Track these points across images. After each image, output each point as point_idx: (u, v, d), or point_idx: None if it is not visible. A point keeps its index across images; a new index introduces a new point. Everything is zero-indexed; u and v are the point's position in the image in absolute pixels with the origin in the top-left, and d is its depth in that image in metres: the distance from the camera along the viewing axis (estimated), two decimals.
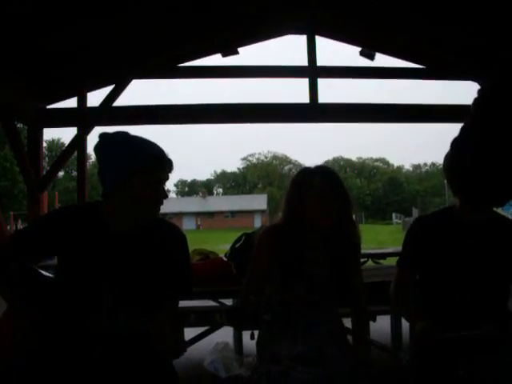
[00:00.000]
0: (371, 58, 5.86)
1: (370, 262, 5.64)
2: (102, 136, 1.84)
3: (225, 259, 3.64)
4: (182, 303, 1.95)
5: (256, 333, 2.18)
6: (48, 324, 1.75)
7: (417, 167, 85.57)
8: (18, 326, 1.76)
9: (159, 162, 1.83)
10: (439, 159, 74.47)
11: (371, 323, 4.18)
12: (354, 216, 2.17)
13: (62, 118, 5.81)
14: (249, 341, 4.11)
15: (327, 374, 1.92)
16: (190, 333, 3.46)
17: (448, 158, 1.93)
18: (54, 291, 1.84)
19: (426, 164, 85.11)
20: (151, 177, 1.80)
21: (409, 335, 3.61)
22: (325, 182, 2.07)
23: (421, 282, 2.02)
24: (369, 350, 2.12)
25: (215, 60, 5.85)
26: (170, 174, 1.88)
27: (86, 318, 1.74)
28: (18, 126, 6.19)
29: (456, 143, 1.92)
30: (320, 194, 2.04)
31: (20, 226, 23.50)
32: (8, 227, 11.63)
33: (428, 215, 2.11)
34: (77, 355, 1.75)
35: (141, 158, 1.77)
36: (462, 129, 1.94)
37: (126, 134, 1.85)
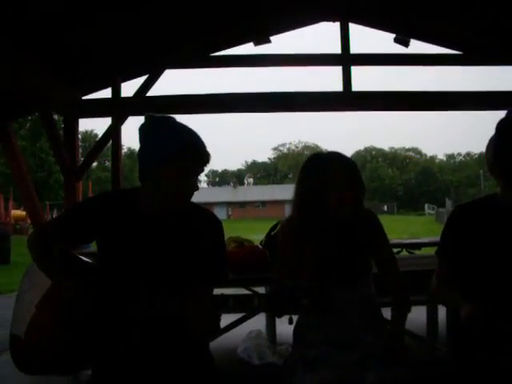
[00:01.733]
0: (406, 44, 5.73)
1: (404, 252, 5.58)
2: (148, 117, 1.83)
3: (260, 247, 3.65)
4: (217, 290, 1.96)
5: (294, 318, 2.18)
6: (89, 306, 1.79)
7: (451, 157, 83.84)
8: (62, 302, 1.79)
9: (195, 154, 1.79)
10: (474, 149, 72.99)
11: None
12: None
13: (97, 109, 5.92)
14: (282, 329, 4.13)
15: (361, 359, 1.92)
16: (224, 320, 3.49)
17: (493, 140, 1.88)
18: (95, 276, 1.87)
19: (460, 154, 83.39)
20: (184, 167, 1.77)
21: (445, 326, 3.56)
22: (345, 171, 2.03)
23: (462, 271, 1.97)
24: (397, 338, 2.07)
25: (247, 49, 5.82)
26: (204, 167, 1.85)
27: (125, 303, 1.76)
28: (54, 117, 6.30)
29: (502, 125, 1.87)
30: (343, 184, 2.00)
31: (55, 215, 24.05)
32: (44, 217, 11.91)
33: (469, 203, 2.05)
34: (117, 339, 1.78)
35: (178, 145, 1.75)
36: (509, 110, 1.88)
37: (170, 121, 1.82)
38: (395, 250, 5.55)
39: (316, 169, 2.06)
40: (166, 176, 1.76)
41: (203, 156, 1.82)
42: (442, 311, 3.77)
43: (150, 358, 1.78)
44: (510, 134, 1.83)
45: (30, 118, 32.94)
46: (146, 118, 1.84)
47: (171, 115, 1.86)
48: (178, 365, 1.81)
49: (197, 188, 1.85)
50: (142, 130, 1.84)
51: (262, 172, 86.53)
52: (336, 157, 2.09)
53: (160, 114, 1.85)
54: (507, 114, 1.88)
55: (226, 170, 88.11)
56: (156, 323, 1.75)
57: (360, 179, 2.07)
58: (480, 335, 1.79)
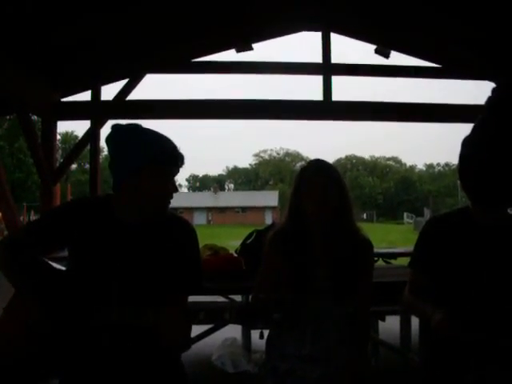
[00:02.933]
0: (386, 56, 5.81)
1: (380, 262, 5.61)
2: (115, 127, 1.83)
3: (235, 255, 3.64)
4: (192, 298, 1.95)
5: (265, 332, 2.18)
6: (57, 314, 1.76)
7: (430, 167, 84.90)
8: (26, 314, 1.76)
9: (170, 157, 1.82)
10: (453, 159, 73.91)
11: (380, 323, 4.17)
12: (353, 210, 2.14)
13: (76, 111, 5.86)
14: (257, 337, 4.12)
15: (332, 373, 1.92)
16: (198, 328, 3.48)
17: (460, 157, 1.90)
18: (65, 282, 1.84)
19: (439, 164, 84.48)
20: (162, 171, 1.79)
21: (418, 336, 3.59)
22: (316, 172, 2.07)
23: (433, 284, 1.98)
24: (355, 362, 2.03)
25: (229, 55, 5.86)
26: (180, 169, 1.88)
27: (95, 310, 1.74)
28: (33, 118, 6.22)
29: (467, 141, 1.89)
30: (311, 184, 2.04)
31: (33, 217, 23.70)
32: (21, 218, 11.72)
33: (441, 216, 2.07)
34: (84, 346, 1.76)
35: (152, 151, 1.77)
36: (474, 127, 1.91)
37: (138, 127, 1.83)
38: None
39: (298, 178, 2.13)
40: (145, 183, 1.77)
41: (179, 158, 1.85)
42: (415, 322, 3.81)
43: (118, 366, 1.75)
44: (474, 152, 1.85)
45: (8, 117, 32.44)
46: (112, 128, 1.84)
47: (138, 122, 1.86)
48: (146, 373, 1.79)
49: (177, 190, 1.87)
50: (112, 140, 1.83)
51: (242, 178, 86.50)
52: (314, 163, 2.14)
53: (126, 123, 1.85)
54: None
55: (206, 175, 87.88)
56: (125, 332, 1.73)
57: (339, 181, 2.09)
58: (450, 346, 1.80)
